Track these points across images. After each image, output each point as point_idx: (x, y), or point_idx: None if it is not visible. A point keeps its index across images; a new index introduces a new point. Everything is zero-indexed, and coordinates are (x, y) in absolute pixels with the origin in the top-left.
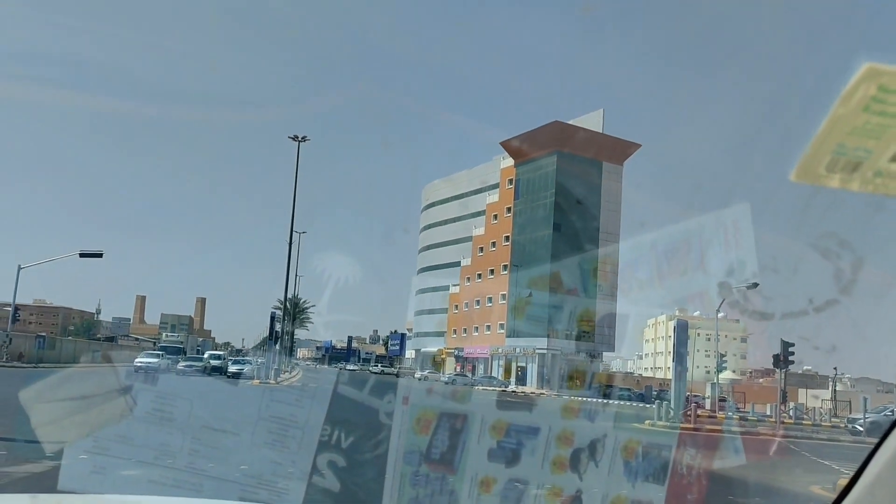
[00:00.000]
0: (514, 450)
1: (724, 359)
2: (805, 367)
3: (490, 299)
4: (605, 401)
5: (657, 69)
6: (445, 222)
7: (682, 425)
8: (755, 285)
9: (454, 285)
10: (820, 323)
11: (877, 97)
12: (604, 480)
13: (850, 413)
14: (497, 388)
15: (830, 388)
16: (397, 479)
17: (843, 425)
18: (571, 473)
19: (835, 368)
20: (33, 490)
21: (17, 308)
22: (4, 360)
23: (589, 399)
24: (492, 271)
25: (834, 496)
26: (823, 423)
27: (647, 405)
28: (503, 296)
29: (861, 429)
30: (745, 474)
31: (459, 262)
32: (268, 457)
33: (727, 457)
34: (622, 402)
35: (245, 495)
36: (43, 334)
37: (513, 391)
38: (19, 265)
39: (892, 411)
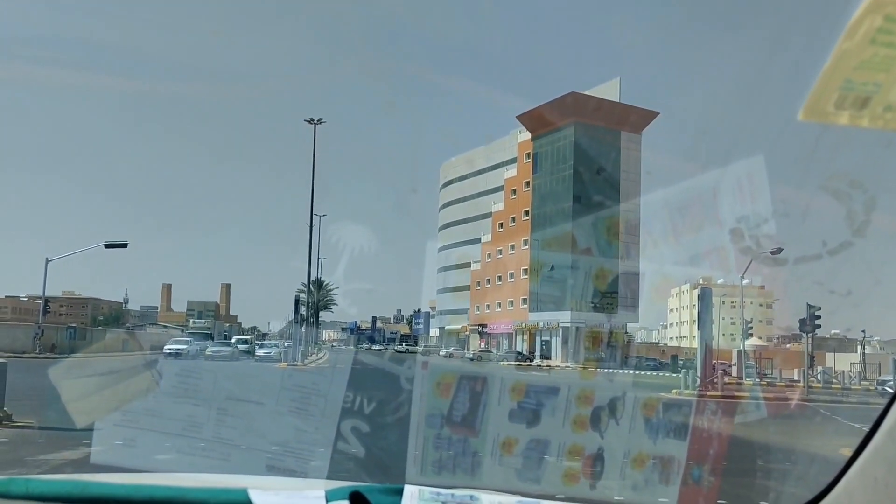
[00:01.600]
0: (535, 411)
1: (749, 325)
2: (833, 331)
3: (511, 274)
4: (631, 371)
5: (666, 27)
6: (464, 199)
7: (709, 393)
8: (779, 250)
9: (475, 262)
10: (844, 278)
11: (883, 28)
12: (625, 442)
13: (880, 375)
14: (522, 363)
15: (859, 352)
16: (420, 442)
17: (872, 388)
18: (593, 433)
19: (863, 331)
20: None
21: (46, 300)
22: (37, 351)
23: (614, 370)
24: (512, 247)
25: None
26: (852, 387)
27: (674, 374)
28: (524, 270)
29: (891, 390)
30: (773, 439)
31: (479, 238)
32: (293, 425)
33: (755, 421)
34: (648, 373)
35: (272, 464)
36: (73, 325)
37: (538, 365)
38: (47, 258)
39: None
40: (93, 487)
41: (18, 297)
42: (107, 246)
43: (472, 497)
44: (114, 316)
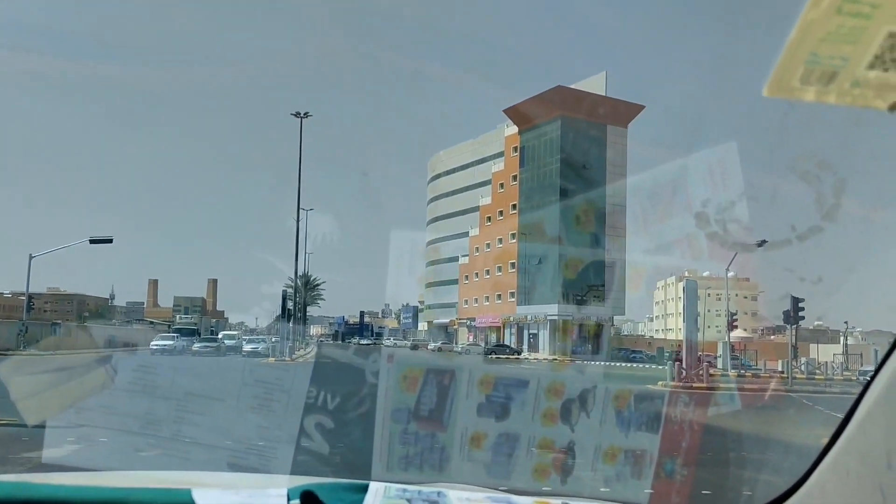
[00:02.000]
0: (505, 405)
1: (734, 317)
2: (816, 323)
3: (499, 268)
4: (618, 363)
5: (652, 21)
6: (452, 193)
7: (695, 384)
8: (764, 243)
9: (463, 256)
10: (827, 271)
11: None
12: (602, 434)
13: (862, 366)
14: (510, 356)
15: (842, 342)
16: (386, 438)
17: (854, 378)
18: (563, 426)
19: (846, 322)
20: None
21: (30, 297)
22: (21, 348)
23: (601, 362)
24: (500, 240)
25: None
26: (835, 377)
27: (660, 367)
28: (512, 264)
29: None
30: (755, 429)
31: (468, 232)
32: (255, 422)
33: (737, 412)
34: (635, 365)
35: (234, 461)
36: (58, 321)
37: (525, 358)
38: (31, 254)
39: None
40: (32, 489)
41: (2, 293)
42: (91, 241)
43: (439, 493)
44: (100, 312)
